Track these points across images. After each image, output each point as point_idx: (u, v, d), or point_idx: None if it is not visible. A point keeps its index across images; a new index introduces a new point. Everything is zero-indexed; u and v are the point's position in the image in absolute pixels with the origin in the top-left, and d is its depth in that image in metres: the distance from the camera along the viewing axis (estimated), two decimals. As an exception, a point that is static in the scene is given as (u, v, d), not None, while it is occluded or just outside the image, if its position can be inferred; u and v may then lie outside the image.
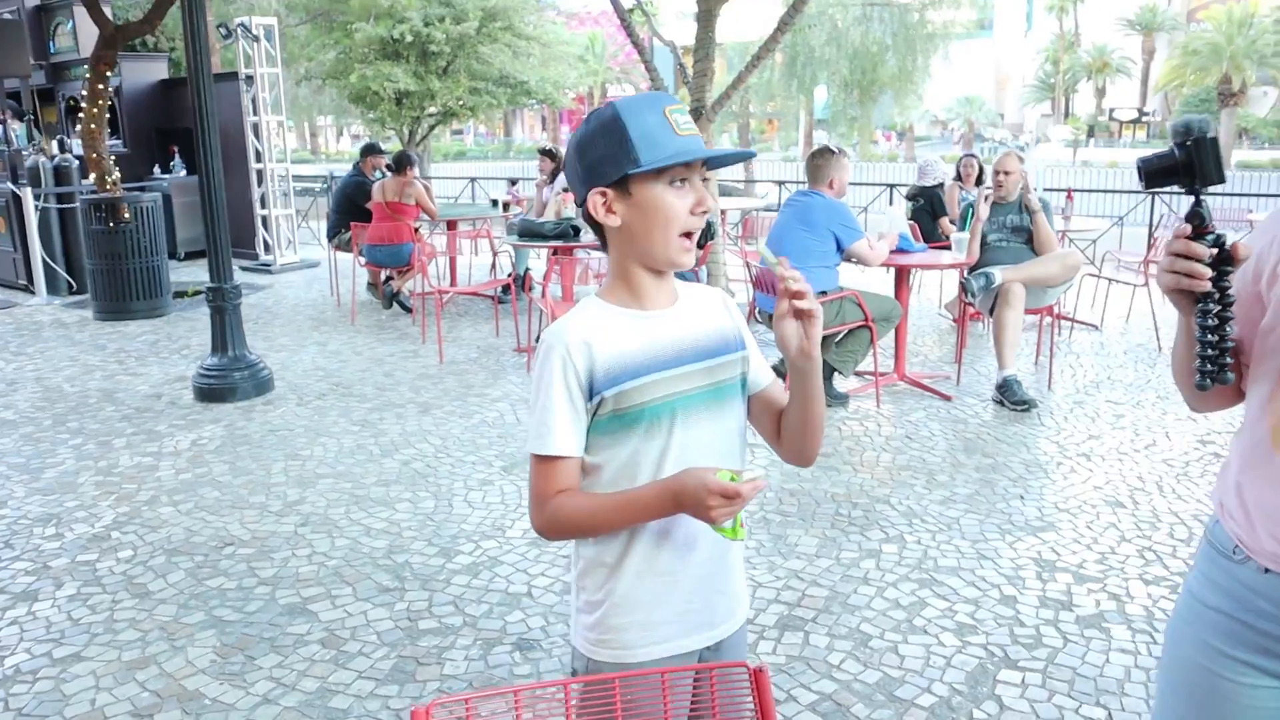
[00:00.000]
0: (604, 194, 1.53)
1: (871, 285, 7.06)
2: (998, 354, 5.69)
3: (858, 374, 6.12)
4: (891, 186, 12.55)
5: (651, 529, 1.58)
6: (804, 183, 5.81)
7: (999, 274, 5.77)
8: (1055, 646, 3.08)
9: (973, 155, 8.62)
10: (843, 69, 21.71)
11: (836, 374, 5.68)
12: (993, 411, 5.52)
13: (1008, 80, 59.03)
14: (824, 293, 5.39)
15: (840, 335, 5.54)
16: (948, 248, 6.40)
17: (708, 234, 6.72)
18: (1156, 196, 10.83)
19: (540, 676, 2.92)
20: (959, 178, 8.45)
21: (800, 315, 1.49)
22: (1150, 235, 9.12)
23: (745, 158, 1.69)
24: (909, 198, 8.41)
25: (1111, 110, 51.48)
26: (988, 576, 3.56)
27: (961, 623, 3.22)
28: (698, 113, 7.54)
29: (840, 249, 5.41)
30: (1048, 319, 6.37)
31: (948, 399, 5.74)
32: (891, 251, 5.81)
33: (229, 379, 5.92)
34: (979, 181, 8.36)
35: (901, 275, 5.95)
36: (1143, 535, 3.91)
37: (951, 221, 7.86)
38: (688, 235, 1.55)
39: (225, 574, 3.64)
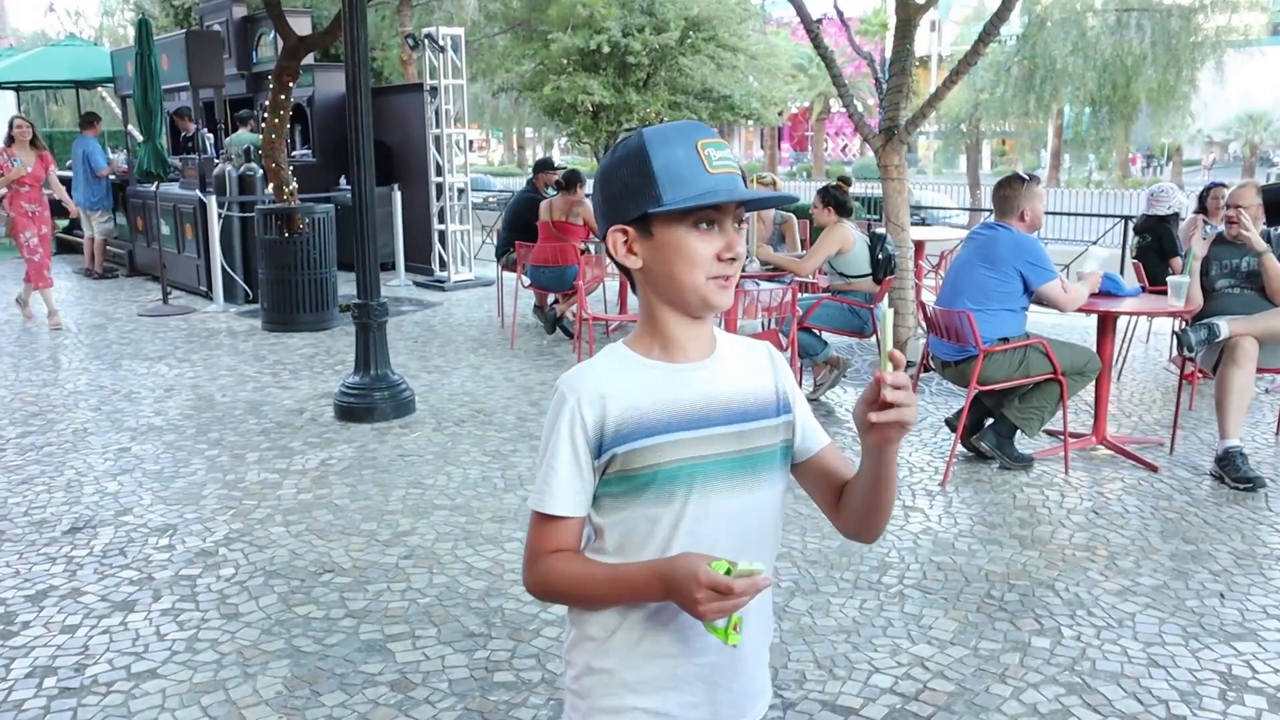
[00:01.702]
0: (625, 232, 1.50)
1: (1072, 333, 6.68)
2: (1219, 420, 5.24)
3: (1047, 432, 5.78)
4: (1127, 219, 11.85)
5: (647, 604, 1.52)
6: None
7: (1225, 326, 5.32)
8: (1219, 779, 2.77)
9: (1221, 184, 7.97)
10: (1089, 83, 20.70)
11: (1020, 432, 5.38)
12: (1208, 489, 5.08)
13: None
14: (1006, 339, 5.12)
15: (1025, 389, 5.25)
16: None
17: (888, 266, 6.53)
18: None
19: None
20: (1203, 210, 7.84)
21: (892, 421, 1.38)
22: None
23: (784, 202, 1.61)
24: (1136, 231, 7.89)
25: None
26: (1156, 689, 3.25)
27: (1108, 738, 2.96)
28: (890, 132, 7.36)
29: (1028, 290, 5.14)
30: (1290, 383, 5.83)
31: (1154, 469, 5.33)
32: (1094, 294, 5.46)
33: (369, 399, 6.18)
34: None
35: (1105, 323, 5.59)
36: (1365, 653, 3.48)
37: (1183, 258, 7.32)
38: (717, 280, 1.50)
39: (316, 602, 3.78)
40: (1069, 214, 18.26)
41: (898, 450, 1.46)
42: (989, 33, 7.20)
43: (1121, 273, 10.21)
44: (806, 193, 23.38)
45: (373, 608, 3.74)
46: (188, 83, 11.26)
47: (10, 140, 9.24)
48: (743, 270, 6.47)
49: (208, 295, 10.62)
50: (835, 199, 6.65)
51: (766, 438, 1.56)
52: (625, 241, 1.50)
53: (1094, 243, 13.98)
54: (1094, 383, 5.52)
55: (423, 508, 4.75)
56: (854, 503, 1.56)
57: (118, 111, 16.67)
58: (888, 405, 1.35)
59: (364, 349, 6.29)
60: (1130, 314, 5.79)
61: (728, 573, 1.35)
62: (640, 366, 1.53)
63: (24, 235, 9.10)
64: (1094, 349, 5.53)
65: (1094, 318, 5.73)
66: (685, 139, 1.46)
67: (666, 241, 1.47)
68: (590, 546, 1.56)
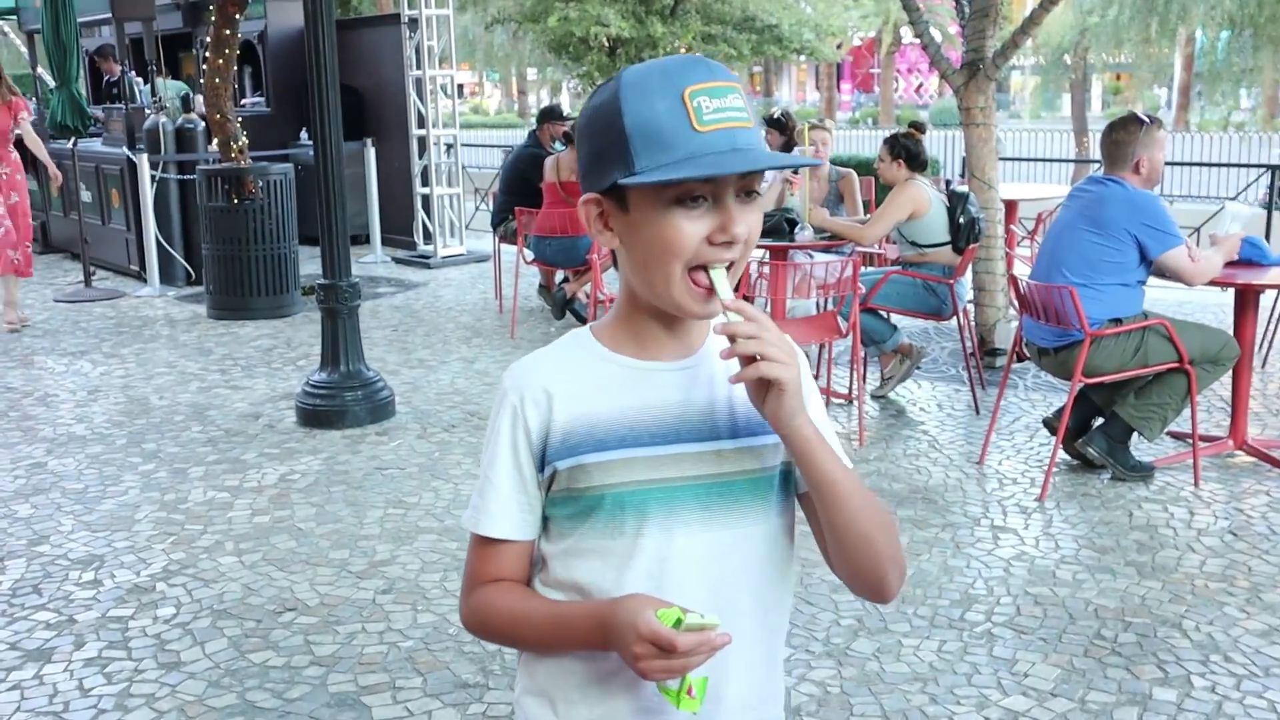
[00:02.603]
0: (597, 203, 1.48)
1: (1203, 313, 6.65)
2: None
3: (1171, 435, 5.76)
4: (1275, 170, 11.78)
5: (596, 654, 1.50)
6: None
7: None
8: None
9: None
10: (1226, 2, 20.54)
11: (1138, 435, 5.36)
12: (1373, 503, 5.06)
13: None
14: (1118, 320, 5.10)
15: (1143, 381, 5.23)
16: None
17: (972, 233, 6.52)
18: None
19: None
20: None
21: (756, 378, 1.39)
22: None
23: (789, 165, 1.59)
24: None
25: None
26: (1306, 745, 3.25)
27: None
28: (974, 67, 7.34)
29: (1146, 260, 5.12)
30: None
31: (1306, 480, 5.31)
32: (1231, 264, 5.44)
33: (338, 400, 6.23)
34: None
35: (1246, 299, 5.56)
36: None
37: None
38: (701, 270, 1.44)
39: (275, 647, 3.82)
40: (1200, 164, 18.15)
41: (806, 428, 1.41)
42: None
43: (1267, 236, 10.15)
44: (872, 143, 23.28)
45: (344, 653, 3.77)
46: (110, 14, 11.32)
47: None
48: (792, 239, 6.52)
49: (140, 276, 10.71)
50: (906, 150, 6.63)
51: (756, 460, 1.52)
52: (599, 215, 1.48)
53: (1232, 199, 13.89)
54: (1231, 373, 5.50)
55: (404, 531, 4.78)
56: (828, 537, 1.50)
57: (23, 51, 16.81)
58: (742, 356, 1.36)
59: (332, 340, 6.34)
60: (1278, 287, 5.74)
61: (676, 624, 1.33)
62: (602, 361, 1.52)
63: None
64: (1231, 331, 5.50)
65: (1231, 292, 5.70)
66: (669, 84, 1.39)
67: (642, 220, 1.43)
68: (538, 577, 1.57)
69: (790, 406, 1.39)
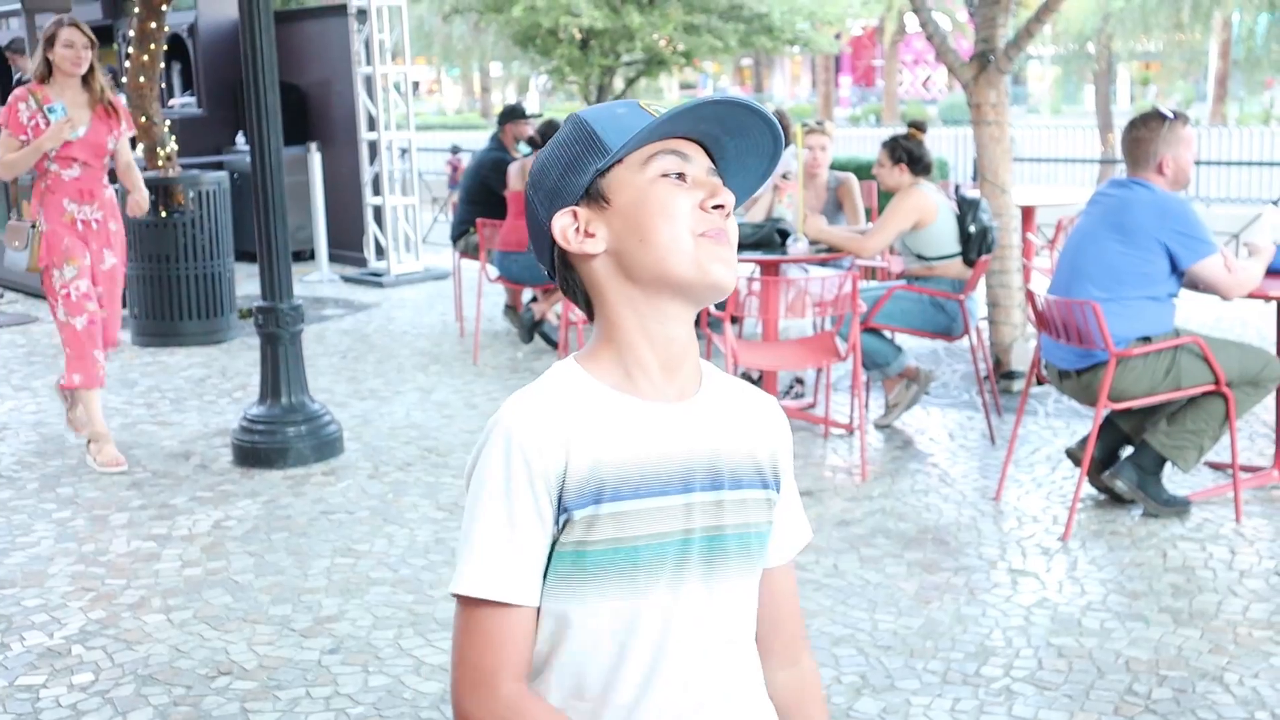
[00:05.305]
0: (573, 215, 1.58)
1: (1242, 329, 6.67)
2: None
3: (1209, 465, 5.78)
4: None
5: None
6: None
7: None
8: None
9: None
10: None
11: (1171, 466, 5.38)
12: None
13: None
14: (1147, 338, 5.12)
15: (1175, 406, 5.24)
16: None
17: (984, 243, 6.54)
18: None
19: None
20: None
21: None
22: None
23: (759, 117, 1.59)
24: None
25: None
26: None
27: None
28: (984, 59, 7.39)
29: (1177, 271, 5.14)
30: None
31: (1359, 514, 5.34)
32: (1271, 274, 5.47)
33: (280, 437, 6.21)
34: None
35: (1288, 313, 5.60)
36: None
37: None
38: (707, 236, 1.57)
39: (208, 716, 3.80)
40: (1238, 164, 18.25)
41: None
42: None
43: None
44: (874, 144, 23.29)
45: (285, 722, 3.75)
46: (19, 5, 11.28)
47: (45, 73, 6.30)
48: (784, 251, 6.53)
49: (58, 299, 10.66)
50: (907, 153, 6.65)
51: (753, 513, 1.62)
52: (577, 226, 1.58)
53: (1274, 203, 13.99)
54: (1274, 396, 5.53)
55: (354, 583, 4.76)
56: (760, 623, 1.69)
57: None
58: None
59: (272, 369, 6.32)
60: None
61: None
62: (607, 400, 1.57)
63: (61, 270, 6.18)
64: (1274, 350, 5.53)
65: (1273, 305, 5.73)
66: (624, 103, 1.61)
67: (630, 200, 1.56)
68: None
69: None
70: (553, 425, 1.52)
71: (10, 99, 6.26)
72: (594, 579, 1.52)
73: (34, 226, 6.14)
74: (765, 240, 6.65)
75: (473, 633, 1.53)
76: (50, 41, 6.25)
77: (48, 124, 6.06)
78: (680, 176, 1.56)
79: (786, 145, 8.57)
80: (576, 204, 1.58)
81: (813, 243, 6.69)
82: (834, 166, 7.88)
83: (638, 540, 1.52)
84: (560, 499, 1.52)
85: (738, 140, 1.60)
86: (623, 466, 1.53)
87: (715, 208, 1.55)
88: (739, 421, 1.63)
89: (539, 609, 1.55)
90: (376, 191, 11.98)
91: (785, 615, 1.71)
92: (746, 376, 7.03)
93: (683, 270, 1.54)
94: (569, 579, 1.53)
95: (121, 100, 6.76)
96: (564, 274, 1.61)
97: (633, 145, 1.54)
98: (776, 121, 1.60)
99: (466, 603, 1.52)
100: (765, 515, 1.63)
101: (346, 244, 12.37)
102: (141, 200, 6.59)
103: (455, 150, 19.89)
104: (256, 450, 6.22)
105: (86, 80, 6.26)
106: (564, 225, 1.57)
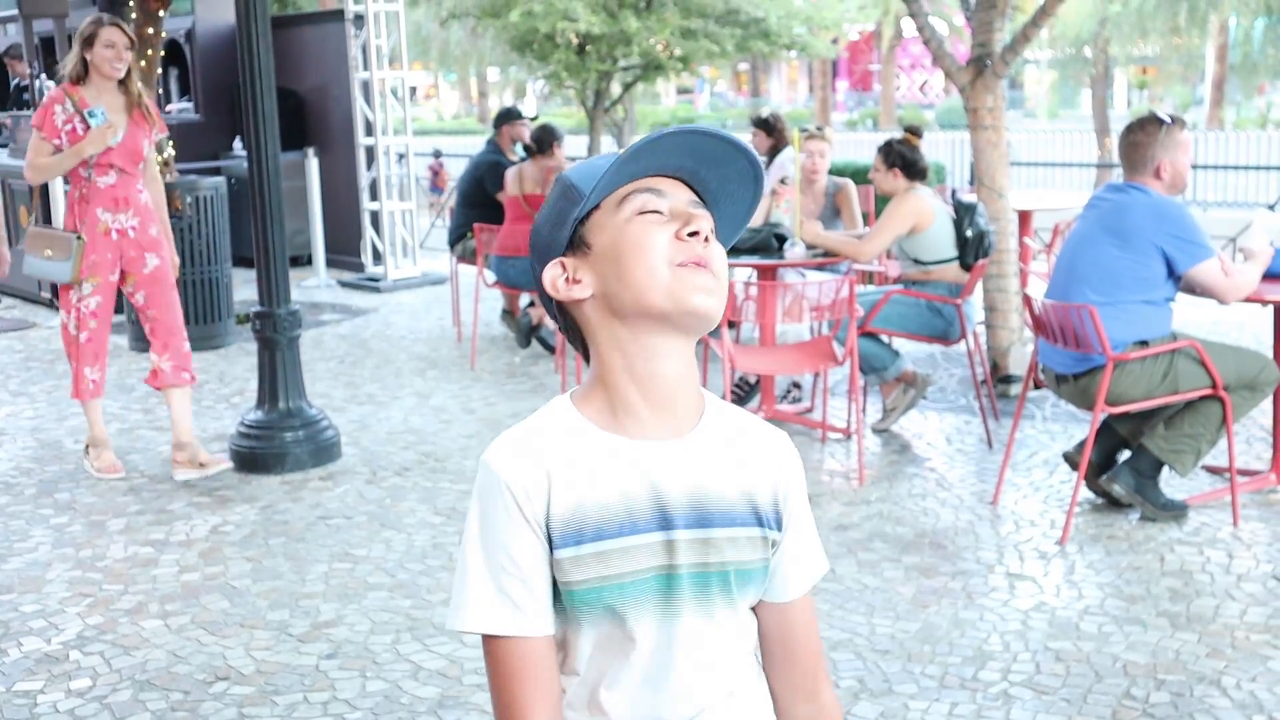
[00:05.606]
0: (562, 265, 1.64)
1: (1239, 333, 6.67)
2: None
3: (1207, 469, 5.79)
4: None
5: None
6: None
7: None
8: None
9: None
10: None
11: (1168, 470, 5.38)
12: None
13: None
14: (1144, 342, 5.13)
15: (1173, 410, 5.25)
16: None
17: (981, 247, 6.55)
18: None
19: None
20: None
21: None
22: None
23: (717, 140, 1.60)
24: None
25: None
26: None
27: None
28: (981, 63, 7.40)
29: (1174, 275, 5.15)
30: None
31: (1356, 518, 5.35)
32: (1268, 278, 5.47)
33: (277, 442, 6.21)
34: None
35: (1285, 317, 5.61)
36: None
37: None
38: (685, 266, 1.59)
39: (206, 722, 3.80)
40: (1235, 168, 18.26)
41: None
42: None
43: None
44: (872, 148, 23.29)
45: (283, 727, 3.76)
46: (16, 10, 11.27)
47: (81, 74, 6.05)
48: (781, 256, 6.53)
49: (53, 305, 10.64)
50: (901, 158, 6.65)
51: (747, 550, 1.64)
52: (565, 276, 1.63)
53: (1271, 207, 14.00)
54: (1271, 400, 5.53)
55: (352, 589, 4.77)
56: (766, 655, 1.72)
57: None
58: None
59: (270, 374, 6.32)
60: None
61: None
62: (594, 440, 1.61)
63: (81, 285, 6.08)
64: (1270, 354, 5.53)
65: (1269, 309, 5.74)
66: (603, 155, 1.67)
67: (608, 241, 1.60)
68: None
69: None
70: (536, 466, 1.57)
71: (45, 100, 6.09)
72: (584, 615, 1.57)
73: (79, 238, 5.97)
74: (762, 245, 6.66)
75: (495, 670, 1.59)
76: (89, 41, 5.97)
77: (86, 128, 5.88)
78: (655, 213, 1.59)
79: (783, 150, 8.60)
80: (563, 254, 1.63)
81: (810, 247, 6.70)
82: (831, 171, 7.89)
83: (622, 578, 1.56)
84: (549, 536, 1.57)
85: (715, 170, 1.63)
86: (604, 507, 1.56)
87: (691, 235, 1.58)
88: (737, 458, 1.65)
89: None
90: (374, 196, 11.98)
91: (801, 648, 1.72)
92: (743, 381, 7.04)
93: (659, 301, 1.57)
94: (561, 613, 1.59)
95: (159, 110, 6.45)
96: (563, 321, 1.67)
97: (604, 188, 1.58)
98: (746, 145, 1.62)
99: (485, 641, 1.59)
100: (760, 553, 1.64)
101: (344, 249, 12.38)
102: (158, 199, 6.39)
103: (437, 154, 20.10)
104: (254, 455, 6.22)
105: (123, 82, 6.07)
106: (553, 276, 1.63)
